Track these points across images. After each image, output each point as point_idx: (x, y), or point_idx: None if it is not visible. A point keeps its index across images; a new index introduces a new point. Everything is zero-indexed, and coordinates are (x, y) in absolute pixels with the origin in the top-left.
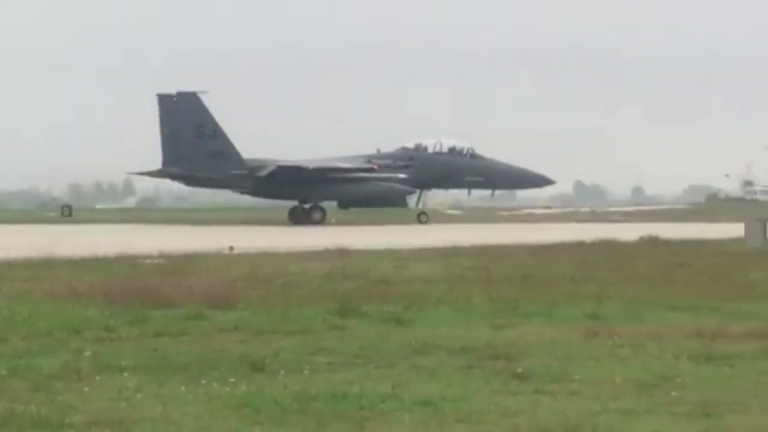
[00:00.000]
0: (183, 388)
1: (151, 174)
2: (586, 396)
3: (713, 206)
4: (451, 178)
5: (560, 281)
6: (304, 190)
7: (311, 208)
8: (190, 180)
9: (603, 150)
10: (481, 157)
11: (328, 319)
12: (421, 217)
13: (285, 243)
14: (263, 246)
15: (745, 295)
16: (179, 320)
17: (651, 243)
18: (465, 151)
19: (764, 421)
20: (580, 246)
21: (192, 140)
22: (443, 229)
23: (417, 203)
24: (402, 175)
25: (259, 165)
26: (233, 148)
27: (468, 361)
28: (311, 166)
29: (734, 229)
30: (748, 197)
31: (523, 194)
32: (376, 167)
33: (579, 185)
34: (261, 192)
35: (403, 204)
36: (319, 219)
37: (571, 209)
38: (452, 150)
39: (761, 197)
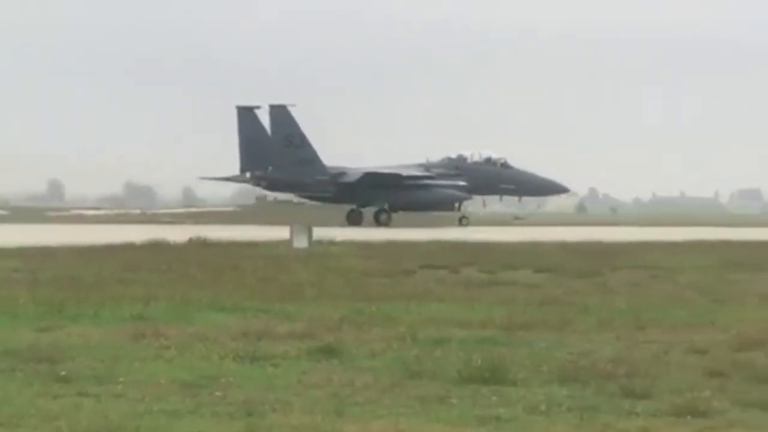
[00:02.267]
0: None
1: (230, 179)
2: (131, 398)
3: (263, 208)
4: (488, 185)
5: (108, 283)
6: (383, 195)
7: (379, 211)
8: (274, 185)
9: None
10: (511, 167)
11: None
12: (462, 221)
13: None
14: None
15: (290, 297)
16: None
17: (200, 245)
18: (498, 161)
19: (305, 419)
20: (129, 247)
21: (281, 148)
22: None
23: (458, 208)
24: (462, 183)
25: (339, 172)
26: (317, 156)
27: (10, 364)
28: (388, 172)
29: (282, 232)
30: (295, 201)
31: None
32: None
33: (130, 186)
34: (342, 197)
35: (453, 209)
36: (386, 221)
37: (122, 211)
38: (488, 160)
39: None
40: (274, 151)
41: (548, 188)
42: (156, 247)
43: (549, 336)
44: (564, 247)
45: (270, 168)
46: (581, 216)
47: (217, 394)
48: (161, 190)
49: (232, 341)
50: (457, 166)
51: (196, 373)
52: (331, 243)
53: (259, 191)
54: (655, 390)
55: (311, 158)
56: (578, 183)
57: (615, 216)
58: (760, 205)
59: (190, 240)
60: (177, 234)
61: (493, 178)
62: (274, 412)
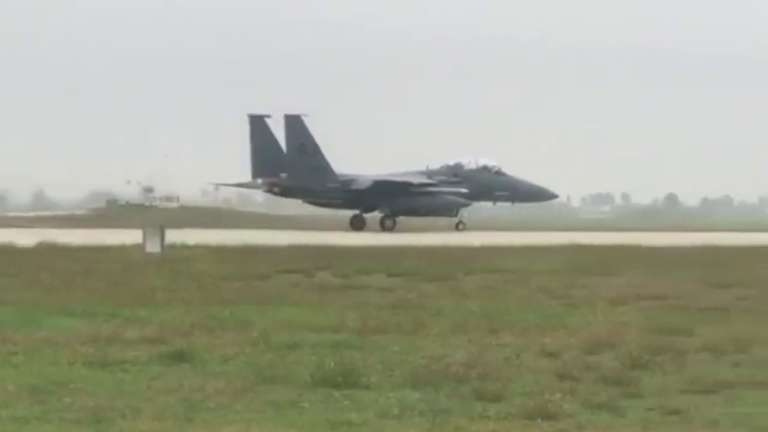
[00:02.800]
0: None
1: (243, 185)
2: None
3: (114, 212)
4: (484, 192)
5: None
6: (390, 201)
7: (385, 216)
8: (287, 191)
9: None
10: (504, 174)
11: None
12: (459, 226)
13: None
14: None
15: (142, 301)
16: None
17: (50, 249)
18: (493, 169)
19: (155, 425)
20: None
21: (295, 156)
22: None
23: (456, 213)
24: (464, 190)
25: (349, 179)
26: (329, 164)
27: None
28: (398, 180)
29: (134, 236)
30: (147, 203)
31: None
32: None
33: None
34: (352, 203)
35: (453, 214)
36: (391, 227)
37: None
38: (484, 167)
39: (161, 204)
40: (288, 158)
41: (539, 195)
42: (4, 251)
43: (402, 340)
44: (421, 251)
45: (284, 175)
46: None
47: (66, 399)
48: (10, 195)
49: (82, 346)
50: (456, 174)
51: (44, 379)
52: (185, 247)
53: (112, 197)
54: (507, 393)
55: (323, 166)
56: None
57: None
58: (611, 210)
59: (40, 244)
60: (26, 238)
61: (489, 185)
62: (123, 418)
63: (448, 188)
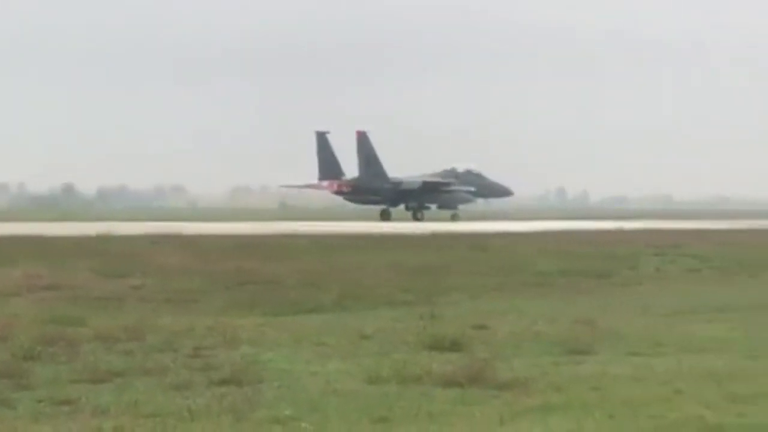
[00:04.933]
0: None
1: (310, 186)
2: None
3: None
4: (456, 192)
5: None
6: (427, 198)
7: (417, 209)
8: (356, 191)
9: None
10: (482, 176)
11: None
12: (455, 217)
13: None
14: None
15: None
16: None
17: None
18: (474, 171)
19: None
20: None
21: (363, 164)
22: None
23: (445, 206)
24: (472, 189)
25: (398, 181)
26: (384, 170)
27: None
28: (440, 180)
29: None
30: None
31: None
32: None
33: None
34: (399, 200)
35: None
36: (422, 218)
37: None
38: (469, 171)
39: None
40: (360, 166)
41: (505, 192)
42: None
43: None
44: None
45: (350, 178)
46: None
47: None
48: None
49: None
50: (456, 176)
51: None
52: None
53: None
54: None
55: (382, 172)
56: None
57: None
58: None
59: None
60: None
61: (472, 185)
62: None
63: (462, 187)
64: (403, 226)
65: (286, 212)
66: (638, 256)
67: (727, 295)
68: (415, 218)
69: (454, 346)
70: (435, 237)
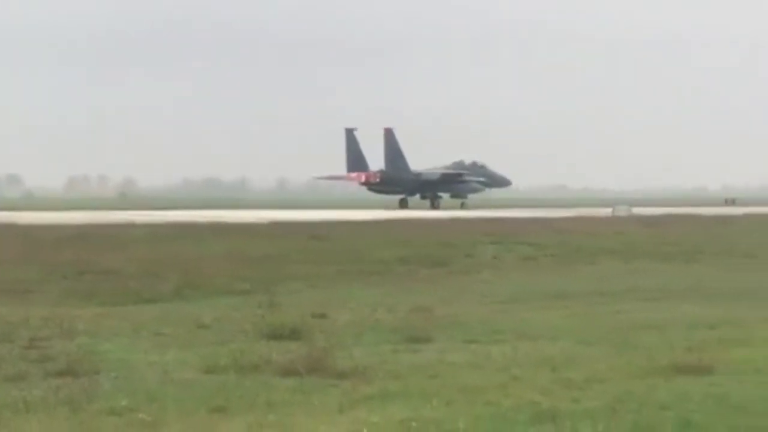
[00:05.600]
0: None
1: (339, 177)
2: None
3: None
4: (469, 182)
5: None
6: (444, 188)
7: (434, 197)
8: (385, 182)
9: None
10: (486, 167)
11: None
12: (464, 204)
13: None
14: None
15: None
16: None
17: None
18: (478, 164)
19: None
20: None
21: (390, 158)
22: None
23: (456, 195)
24: (482, 179)
25: (418, 173)
26: (407, 163)
27: None
28: (456, 171)
29: None
30: None
31: None
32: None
33: None
34: (419, 190)
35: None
36: (438, 205)
37: None
38: (474, 164)
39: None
40: (386, 159)
41: (504, 182)
42: None
43: None
44: None
45: (378, 171)
46: None
47: None
48: None
49: None
50: (465, 167)
51: None
52: None
53: None
54: None
55: (405, 165)
56: None
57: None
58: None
59: None
60: None
61: (479, 176)
62: None
63: (474, 178)
64: (254, 215)
65: (125, 202)
66: (476, 245)
67: (563, 283)
68: (433, 206)
69: (293, 334)
70: (275, 226)
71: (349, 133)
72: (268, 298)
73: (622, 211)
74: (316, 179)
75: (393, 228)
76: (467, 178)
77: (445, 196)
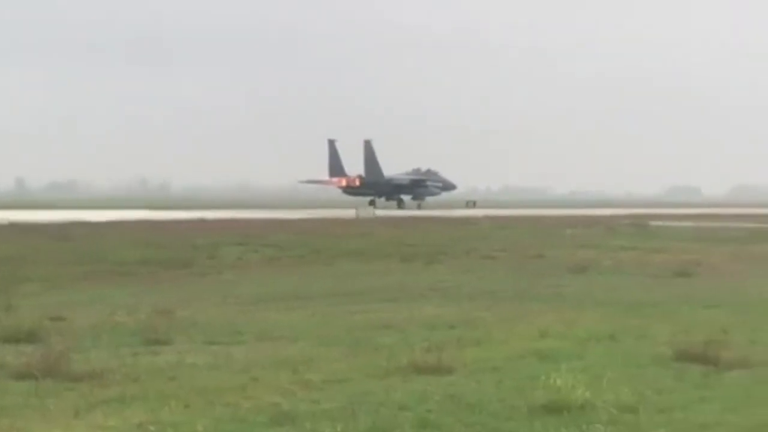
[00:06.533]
0: None
1: (321, 182)
2: None
3: None
4: (429, 186)
5: None
6: (409, 191)
7: (399, 200)
8: (365, 186)
9: None
10: (438, 174)
11: None
12: (420, 205)
13: None
14: None
15: None
16: None
17: None
18: (432, 170)
19: None
20: None
21: (368, 165)
22: None
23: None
24: (440, 183)
25: (390, 178)
26: (381, 170)
27: None
28: (421, 177)
29: None
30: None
31: None
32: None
33: None
34: (392, 193)
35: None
36: (404, 206)
37: None
38: (428, 170)
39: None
40: (366, 166)
41: (452, 186)
42: None
43: None
44: None
45: (358, 176)
46: None
47: None
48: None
49: None
50: (423, 174)
51: None
52: None
53: None
54: None
55: (380, 171)
56: None
57: None
58: None
59: None
60: None
61: (433, 181)
62: None
63: (434, 183)
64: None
65: None
66: (219, 246)
67: (304, 284)
68: (399, 207)
69: (30, 337)
70: (13, 227)
71: (331, 144)
72: (4, 301)
73: (365, 212)
74: (300, 183)
75: (133, 228)
76: (428, 183)
77: (406, 198)
